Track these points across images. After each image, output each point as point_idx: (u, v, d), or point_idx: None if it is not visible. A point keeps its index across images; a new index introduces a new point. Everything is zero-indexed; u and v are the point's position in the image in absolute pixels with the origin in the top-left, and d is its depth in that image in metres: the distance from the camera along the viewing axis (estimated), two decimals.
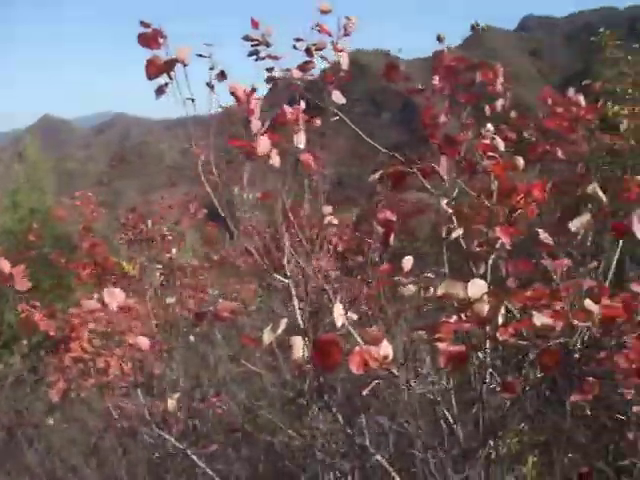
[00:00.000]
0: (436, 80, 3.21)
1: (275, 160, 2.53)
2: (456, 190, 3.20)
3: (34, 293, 4.21)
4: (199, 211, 10.27)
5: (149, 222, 9.03)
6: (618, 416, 3.19)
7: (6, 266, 3.07)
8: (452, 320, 2.32)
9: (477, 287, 2.31)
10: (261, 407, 3.70)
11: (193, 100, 2.84)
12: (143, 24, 3.02)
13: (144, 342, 3.13)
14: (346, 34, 3.29)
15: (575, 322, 2.09)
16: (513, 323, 2.36)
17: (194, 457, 3.23)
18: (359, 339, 2.37)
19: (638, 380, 2.49)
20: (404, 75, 3.60)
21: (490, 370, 2.65)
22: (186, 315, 5.89)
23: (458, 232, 2.85)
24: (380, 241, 2.22)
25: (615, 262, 3.37)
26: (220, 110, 3.57)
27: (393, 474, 2.79)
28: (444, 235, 2.82)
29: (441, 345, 2.50)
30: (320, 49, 3.46)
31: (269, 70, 3.57)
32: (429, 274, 3.12)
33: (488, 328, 2.48)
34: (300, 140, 2.40)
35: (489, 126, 3.01)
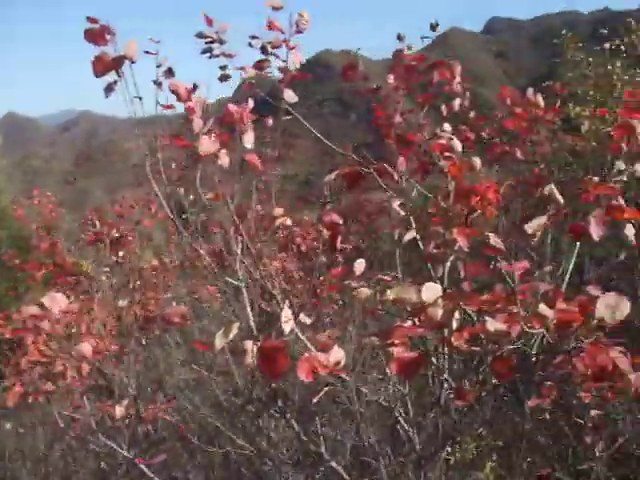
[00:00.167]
0: (391, 79, 3.14)
1: (224, 160, 2.44)
2: (414, 191, 3.14)
3: None
4: (160, 210, 10.08)
5: (97, 223, 8.84)
6: (576, 420, 3.16)
7: None
8: (406, 325, 2.26)
9: (431, 291, 2.24)
10: (211, 415, 3.60)
11: (140, 99, 2.74)
12: (90, 20, 2.91)
13: (87, 349, 3.02)
14: (298, 31, 3.20)
15: (528, 328, 2.03)
16: (467, 328, 2.30)
17: (143, 466, 3.12)
18: (309, 345, 2.29)
19: (594, 385, 2.45)
20: (362, 74, 3.54)
21: (445, 376, 2.59)
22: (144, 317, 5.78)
23: (411, 234, 2.78)
24: (326, 245, 2.13)
25: (575, 263, 3.34)
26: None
27: None
28: (396, 238, 2.75)
29: (394, 351, 2.44)
30: (276, 47, 3.37)
31: (223, 68, 3.48)
32: (385, 276, 3.06)
33: (443, 332, 2.43)
34: (247, 140, 2.31)
35: (446, 126, 2.95)
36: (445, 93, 3.41)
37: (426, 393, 3.23)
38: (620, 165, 2.83)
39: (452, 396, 2.40)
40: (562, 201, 2.64)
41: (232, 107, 2.34)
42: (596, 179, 2.65)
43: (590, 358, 2.00)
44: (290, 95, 3.05)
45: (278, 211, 2.70)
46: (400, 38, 3.80)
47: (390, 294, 2.16)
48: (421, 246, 3.09)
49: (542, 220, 2.52)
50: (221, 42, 3.44)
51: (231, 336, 2.39)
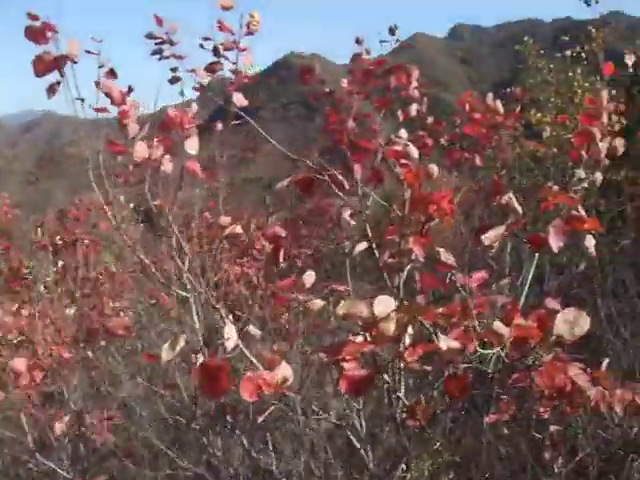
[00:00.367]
0: (344, 83, 3.04)
1: (167, 167, 2.30)
2: (370, 199, 3.04)
3: None
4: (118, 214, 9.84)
5: (39, 230, 8.62)
6: (535, 435, 3.08)
7: None
8: (357, 340, 2.14)
9: (384, 304, 2.12)
10: (152, 435, 3.44)
11: (83, 100, 2.59)
12: (31, 16, 2.76)
13: (19, 364, 2.85)
14: (249, 32, 3.07)
15: (484, 345, 1.93)
16: (421, 344, 2.20)
17: None
18: (255, 361, 2.17)
19: (553, 401, 2.37)
20: (319, 78, 3.43)
21: (399, 394, 2.47)
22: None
23: (363, 246, 2.67)
24: (269, 258, 2.01)
25: (535, 271, 3.26)
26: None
27: None
28: (347, 250, 2.63)
29: (344, 368, 2.33)
30: (229, 49, 3.24)
31: (173, 70, 3.34)
32: (340, 286, 2.94)
33: (397, 347, 2.32)
34: (190, 145, 2.18)
35: (402, 132, 2.84)
36: (403, 98, 3.32)
37: (384, 405, 3.12)
38: (580, 174, 2.75)
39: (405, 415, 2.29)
40: (521, 211, 2.54)
41: (172, 112, 2.20)
42: (556, 188, 2.56)
43: (548, 378, 1.90)
44: (240, 99, 2.92)
45: (225, 220, 2.57)
46: (359, 42, 3.70)
47: (339, 309, 2.04)
48: (377, 255, 2.99)
49: (500, 230, 2.43)
50: (171, 43, 3.30)
51: (178, 349, 2.26)
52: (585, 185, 2.78)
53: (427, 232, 2.91)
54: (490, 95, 3.43)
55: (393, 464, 2.70)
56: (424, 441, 2.61)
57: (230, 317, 2.13)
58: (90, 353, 3.89)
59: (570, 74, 9.18)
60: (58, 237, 8.44)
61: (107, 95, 2.25)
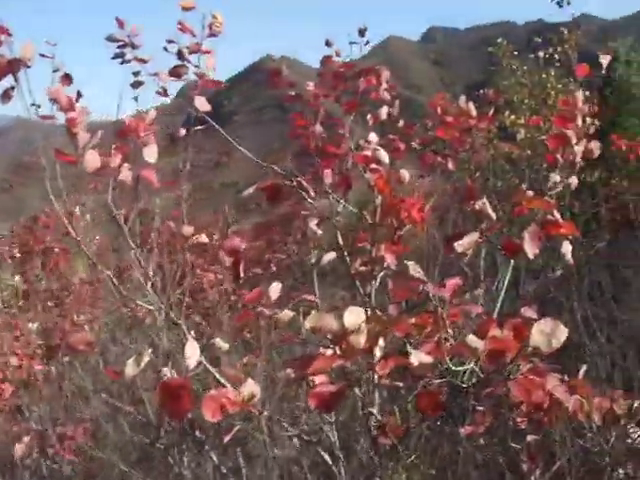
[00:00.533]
0: (311, 86, 2.94)
1: (125, 175, 2.19)
2: (341, 205, 2.95)
3: None
4: (87, 221, 9.68)
5: None
6: (512, 445, 2.99)
7: None
8: (326, 354, 2.04)
9: (354, 315, 2.03)
10: (113, 457, 3.30)
11: (39, 106, 2.46)
12: None
13: None
14: (212, 34, 2.96)
15: (458, 359, 1.84)
16: (392, 357, 2.11)
17: None
18: (219, 378, 2.07)
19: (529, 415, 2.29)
20: (288, 81, 3.34)
21: (372, 409, 2.38)
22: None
23: (330, 256, 2.58)
24: (230, 273, 1.90)
25: (510, 275, 3.19)
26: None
27: None
28: (313, 261, 2.54)
29: (315, 382, 2.23)
30: (194, 52, 3.13)
31: (136, 74, 3.22)
32: (312, 296, 2.85)
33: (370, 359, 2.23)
34: (149, 153, 2.07)
35: (372, 136, 2.75)
36: (373, 101, 3.23)
37: (358, 415, 3.02)
38: (555, 177, 2.68)
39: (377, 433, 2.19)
40: (494, 216, 2.47)
41: (129, 118, 2.09)
42: (531, 192, 2.49)
43: (525, 393, 1.82)
44: (202, 103, 2.81)
45: (188, 230, 2.47)
46: (329, 44, 3.61)
47: (307, 323, 1.94)
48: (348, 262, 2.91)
49: (473, 237, 2.35)
50: (133, 46, 3.19)
51: (143, 365, 2.15)
52: (560, 189, 2.71)
53: (399, 239, 2.83)
54: (463, 98, 3.36)
55: (367, 478, 2.61)
56: (398, 456, 2.51)
57: (192, 333, 2.03)
58: (53, 368, 3.75)
59: (543, 76, 9.18)
60: (16, 249, 8.26)
61: (53, 101, 2.13)
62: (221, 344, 2.64)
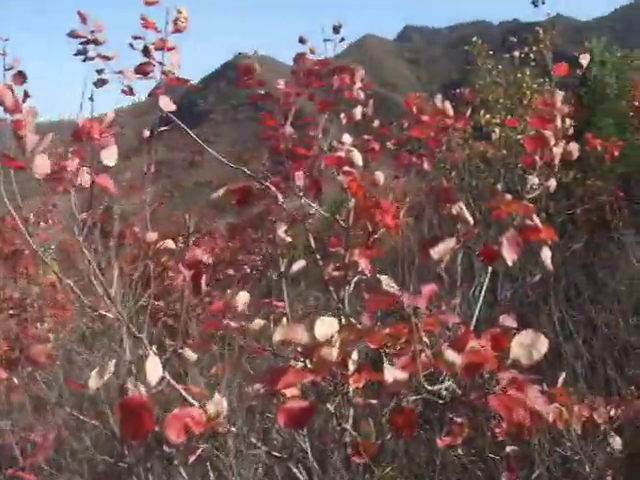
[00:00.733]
0: (281, 84, 2.84)
1: (84, 179, 2.07)
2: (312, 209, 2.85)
3: None
4: (58, 223, 9.45)
5: None
6: (490, 456, 2.92)
7: None
8: (296, 368, 1.94)
9: (326, 326, 1.92)
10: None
11: None
12: None
13: None
14: (177, 30, 2.83)
15: (424, 382, 1.74)
16: (366, 369, 2.01)
17: None
18: (185, 395, 1.95)
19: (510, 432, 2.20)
20: (259, 80, 3.22)
21: (347, 426, 2.27)
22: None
23: (300, 265, 2.47)
24: (190, 287, 1.78)
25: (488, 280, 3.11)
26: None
27: None
28: (282, 269, 2.43)
29: (288, 396, 2.13)
30: (159, 49, 3.00)
31: (99, 72, 3.08)
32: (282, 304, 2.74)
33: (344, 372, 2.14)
34: (107, 156, 1.94)
35: (345, 137, 2.65)
36: (348, 100, 3.13)
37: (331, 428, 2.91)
38: (534, 180, 2.59)
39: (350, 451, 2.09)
40: (472, 220, 2.37)
41: (83, 120, 1.96)
42: (509, 197, 2.40)
43: (506, 411, 1.73)
44: (166, 103, 2.69)
45: (151, 236, 2.35)
46: (302, 41, 3.51)
47: (275, 335, 1.83)
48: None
49: (450, 244, 2.25)
50: (97, 43, 3.05)
51: (106, 377, 2.03)
52: (539, 192, 2.63)
53: (373, 243, 2.73)
54: (439, 96, 3.26)
55: None
56: (372, 473, 2.42)
57: (154, 348, 1.91)
58: (15, 380, 3.59)
59: (519, 75, 9.15)
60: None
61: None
62: (189, 354, 2.52)
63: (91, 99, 1.84)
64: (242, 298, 2.30)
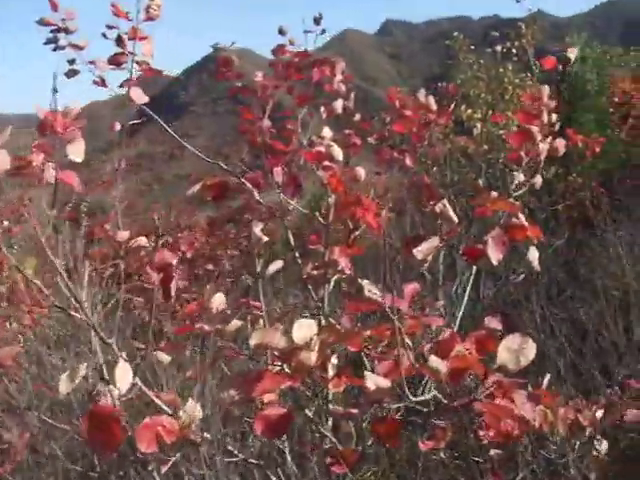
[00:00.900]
0: (259, 77, 2.74)
1: (49, 175, 1.96)
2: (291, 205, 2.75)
3: None
4: (32, 217, 9.23)
5: None
6: (474, 460, 2.85)
7: None
8: (273, 373, 1.85)
9: (304, 329, 1.84)
10: None
11: None
12: None
13: None
14: (149, 18, 2.73)
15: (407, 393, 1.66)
16: (345, 373, 1.93)
17: None
18: (158, 402, 1.86)
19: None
20: (237, 72, 3.12)
21: (327, 433, 2.19)
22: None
23: (277, 265, 2.38)
24: (160, 291, 1.68)
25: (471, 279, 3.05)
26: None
27: None
28: (258, 269, 2.34)
29: (265, 401, 2.04)
30: (133, 38, 2.88)
31: (71, 62, 2.96)
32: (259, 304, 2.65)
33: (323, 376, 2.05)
34: (73, 151, 1.84)
35: (325, 131, 2.56)
36: (328, 93, 3.04)
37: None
38: (519, 177, 2.52)
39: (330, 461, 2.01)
40: (455, 219, 2.29)
41: (44, 111, 1.85)
42: (495, 194, 2.32)
43: (494, 422, 1.65)
44: (138, 95, 2.58)
45: (122, 235, 2.25)
46: (282, 32, 3.41)
47: (252, 340, 1.75)
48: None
49: (433, 243, 2.17)
50: (67, 31, 2.93)
51: (77, 381, 1.92)
52: (525, 189, 2.56)
53: (354, 241, 2.65)
54: (422, 91, 3.19)
55: None
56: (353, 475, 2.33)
57: (124, 354, 1.81)
58: None
59: (501, 70, 9.10)
60: None
61: None
62: (162, 357, 2.43)
63: (55, 90, 1.73)
64: (217, 300, 2.20)
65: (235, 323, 2.42)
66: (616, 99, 9.79)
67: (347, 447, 2.03)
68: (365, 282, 1.70)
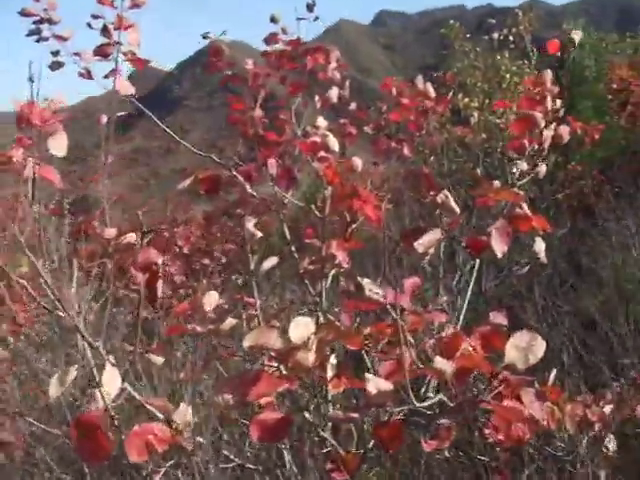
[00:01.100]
0: (249, 64, 2.64)
1: (29, 170, 1.87)
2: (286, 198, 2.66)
3: None
4: (28, 214, 9.13)
5: None
6: (479, 459, 2.76)
7: None
8: (270, 375, 1.76)
9: (301, 328, 1.74)
10: None
11: None
12: None
13: None
14: (135, 5, 2.62)
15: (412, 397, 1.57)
16: (345, 374, 1.84)
17: None
18: (150, 408, 1.77)
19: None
20: (228, 62, 3.01)
21: (325, 435, 2.09)
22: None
23: (271, 262, 2.29)
24: (145, 293, 1.58)
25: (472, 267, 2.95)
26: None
27: None
28: (252, 267, 2.25)
29: (262, 403, 1.95)
30: (119, 27, 2.78)
31: (55, 54, 2.85)
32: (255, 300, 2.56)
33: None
34: (54, 145, 1.74)
35: (320, 120, 2.46)
36: (322, 82, 2.94)
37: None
38: (522, 165, 2.42)
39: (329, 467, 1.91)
40: (458, 210, 2.19)
41: (20, 104, 1.74)
42: (498, 183, 2.23)
43: (505, 426, 1.56)
44: (125, 86, 2.48)
45: (110, 232, 2.15)
46: (274, 20, 3.31)
47: (246, 341, 1.65)
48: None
49: (435, 235, 2.07)
50: (51, 22, 2.83)
51: (67, 384, 1.83)
52: (528, 178, 2.46)
53: (351, 235, 2.55)
54: (420, 77, 3.09)
55: None
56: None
57: (112, 358, 1.72)
58: None
59: (498, 57, 8.99)
60: None
61: None
62: (155, 359, 2.33)
63: (31, 80, 1.63)
64: (210, 299, 2.11)
65: (230, 321, 2.33)
66: (614, 86, 9.69)
67: (348, 450, 1.94)
68: (366, 281, 1.60)
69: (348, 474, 1.73)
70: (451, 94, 3.39)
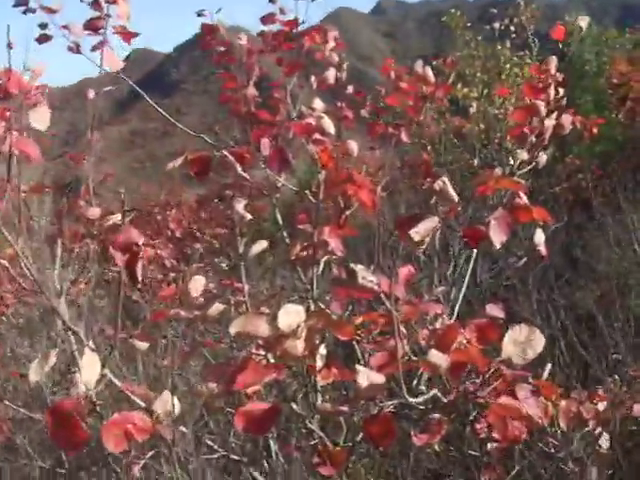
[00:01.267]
0: (243, 40, 2.56)
1: (7, 145, 1.78)
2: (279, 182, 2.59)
3: None
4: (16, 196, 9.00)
5: None
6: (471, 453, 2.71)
7: None
8: (257, 363, 1.69)
9: (291, 315, 1.67)
10: None
11: None
12: None
13: None
14: None
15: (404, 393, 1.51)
16: (334, 365, 1.78)
17: None
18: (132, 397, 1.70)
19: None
20: (222, 41, 2.93)
21: (313, 426, 2.03)
22: None
23: (261, 246, 2.21)
24: (125, 274, 1.51)
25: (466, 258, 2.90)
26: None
27: None
28: (240, 251, 2.17)
29: (249, 395, 1.89)
30: (110, 1, 2.68)
31: (43, 27, 2.76)
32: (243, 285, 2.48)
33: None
34: (37, 118, 1.65)
35: (316, 102, 2.38)
36: (319, 62, 2.86)
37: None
38: (522, 155, 2.35)
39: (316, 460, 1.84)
40: (456, 198, 2.12)
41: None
42: (498, 171, 2.16)
43: (502, 425, 1.50)
44: (113, 61, 2.39)
45: (93, 212, 2.07)
46: (272, 0, 3.23)
47: (232, 327, 1.58)
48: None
49: (432, 223, 2.00)
50: None
51: (47, 368, 1.76)
52: (529, 168, 2.39)
53: (345, 221, 2.48)
54: (419, 62, 3.01)
55: None
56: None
57: (91, 343, 1.65)
58: None
59: (498, 47, 8.90)
60: None
61: None
62: (139, 344, 2.26)
63: (9, 46, 1.55)
64: (197, 284, 2.04)
65: (217, 307, 2.26)
66: (614, 80, 9.62)
67: (336, 442, 1.87)
68: (359, 267, 1.53)
69: (335, 469, 1.66)
70: (450, 81, 3.31)
